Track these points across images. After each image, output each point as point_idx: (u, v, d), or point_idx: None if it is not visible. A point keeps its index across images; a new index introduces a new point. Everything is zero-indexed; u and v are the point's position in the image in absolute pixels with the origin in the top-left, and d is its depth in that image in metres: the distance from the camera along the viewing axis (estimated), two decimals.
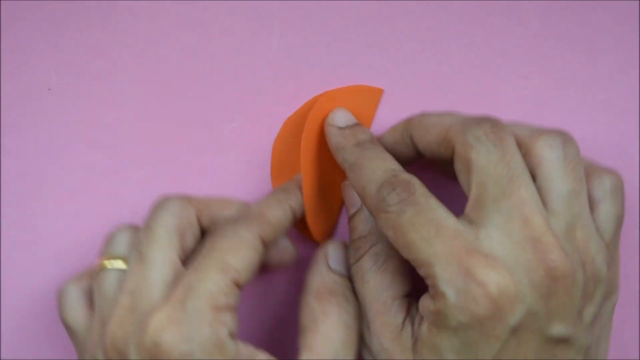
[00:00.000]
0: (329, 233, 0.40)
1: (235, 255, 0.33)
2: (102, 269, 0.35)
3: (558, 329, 0.32)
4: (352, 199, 0.37)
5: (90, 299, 0.36)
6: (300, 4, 0.39)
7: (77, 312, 0.36)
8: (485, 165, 0.32)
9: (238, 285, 0.33)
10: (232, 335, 0.33)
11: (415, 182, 0.33)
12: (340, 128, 0.37)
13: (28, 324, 0.40)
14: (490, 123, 0.33)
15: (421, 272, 0.32)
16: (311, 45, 0.39)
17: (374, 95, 0.39)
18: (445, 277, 0.31)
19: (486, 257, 0.31)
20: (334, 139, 0.37)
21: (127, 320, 0.33)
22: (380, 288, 0.35)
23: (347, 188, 0.38)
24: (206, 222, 0.36)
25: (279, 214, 0.36)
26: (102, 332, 0.34)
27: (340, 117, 0.37)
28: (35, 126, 0.39)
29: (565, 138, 0.33)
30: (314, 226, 0.38)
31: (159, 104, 0.39)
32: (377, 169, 0.34)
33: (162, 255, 0.34)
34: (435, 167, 0.39)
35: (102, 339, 0.33)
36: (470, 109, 0.37)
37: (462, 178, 0.33)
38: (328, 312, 0.35)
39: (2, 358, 0.40)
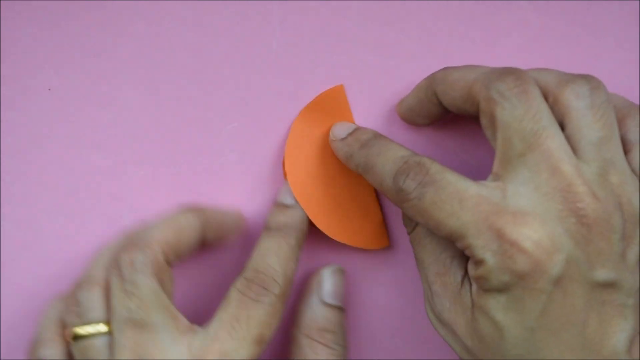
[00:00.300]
0: (382, 234, 0.40)
1: (271, 327, 0.34)
2: (83, 335, 0.34)
3: (601, 273, 0.31)
4: None
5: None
6: (300, 4, 0.39)
7: None
8: (510, 120, 0.32)
9: None
10: None
11: (426, 161, 0.33)
12: (343, 139, 0.37)
13: (28, 324, 0.40)
14: (514, 76, 0.32)
15: (458, 245, 0.32)
16: (311, 45, 0.39)
17: (339, 94, 0.39)
18: (480, 244, 0.31)
19: (514, 215, 0.31)
20: (341, 151, 0.37)
21: None
22: (438, 250, 0.35)
23: None
24: (173, 259, 0.35)
25: (295, 267, 0.36)
26: None
27: (339, 129, 0.38)
28: (35, 126, 0.39)
29: (592, 85, 0.33)
30: (365, 240, 0.39)
31: (159, 104, 0.39)
32: (387, 162, 0.34)
33: (163, 315, 0.34)
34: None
35: None
36: None
37: (488, 133, 0.33)
38: (318, 352, 0.36)
39: (2, 358, 0.40)
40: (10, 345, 0.40)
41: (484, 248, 0.31)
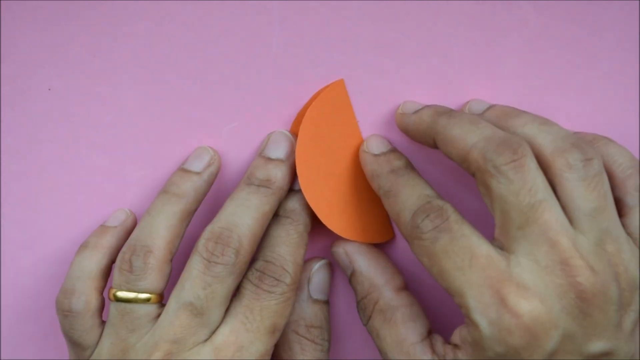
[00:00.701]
0: (387, 226, 0.40)
1: (284, 316, 0.35)
2: (130, 299, 0.35)
3: (597, 345, 0.32)
4: (344, 262, 0.38)
5: (99, 316, 0.36)
6: (300, 4, 0.39)
7: (92, 331, 0.36)
8: (507, 194, 0.32)
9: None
10: None
11: (448, 208, 0.33)
12: (375, 155, 0.37)
13: (28, 324, 0.40)
14: (511, 150, 0.32)
15: (455, 300, 0.32)
16: (311, 45, 0.39)
17: (340, 88, 0.39)
18: (479, 308, 0.31)
19: (517, 286, 0.31)
20: (369, 166, 0.37)
21: None
22: (397, 340, 0.35)
23: (335, 252, 0.38)
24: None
25: (304, 252, 0.37)
26: None
27: (375, 144, 0.38)
28: (35, 126, 0.39)
29: (587, 156, 0.33)
30: (373, 235, 0.39)
31: (159, 104, 0.39)
32: (411, 196, 0.34)
33: (219, 313, 0.35)
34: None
35: None
36: None
37: (486, 200, 0.33)
38: (305, 348, 0.37)
39: (2, 358, 0.40)
40: (10, 345, 0.40)
41: (482, 314, 0.31)
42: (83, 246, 0.37)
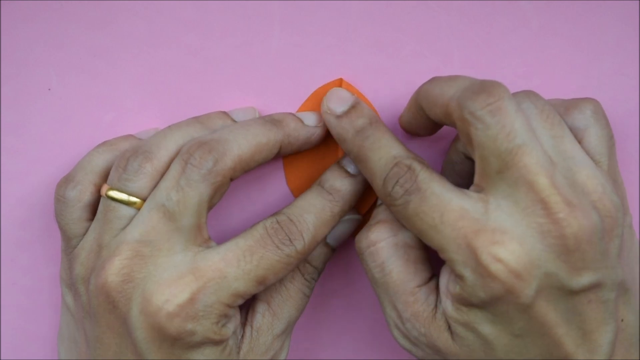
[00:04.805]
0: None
1: (277, 276, 0.34)
2: (115, 199, 0.35)
3: (584, 279, 0.32)
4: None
5: (90, 211, 0.37)
6: (300, 4, 0.39)
7: (79, 222, 0.36)
8: (485, 140, 0.32)
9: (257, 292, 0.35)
10: (231, 329, 0.34)
11: (416, 166, 0.33)
12: (338, 117, 0.36)
13: (28, 324, 0.40)
14: (486, 94, 0.32)
15: (440, 256, 0.33)
16: (311, 45, 0.39)
17: (341, 86, 0.39)
18: (460, 259, 0.32)
19: (493, 233, 0.31)
20: (334, 130, 0.36)
21: (137, 267, 0.34)
22: (404, 279, 0.35)
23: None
24: (239, 174, 0.35)
25: (327, 233, 0.36)
26: (100, 264, 0.34)
27: (335, 102, 0.36)
28: (35, 126, 0.39)
29: (528, 94, 0.34)
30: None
31: (159, 104, 0.39)
32: (379, 161, 0.34)
33: (192, 222, 0.34)
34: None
35: (100, 274, 0.34)
36: None
37: (468, 150, 0.33)
38: (295, 277, 0.37)
39: (2, 358, 0.40)
40: (10, 345, 0.40)
41: (464, 264, 0.32)
42: (103, 143, 0.37)
